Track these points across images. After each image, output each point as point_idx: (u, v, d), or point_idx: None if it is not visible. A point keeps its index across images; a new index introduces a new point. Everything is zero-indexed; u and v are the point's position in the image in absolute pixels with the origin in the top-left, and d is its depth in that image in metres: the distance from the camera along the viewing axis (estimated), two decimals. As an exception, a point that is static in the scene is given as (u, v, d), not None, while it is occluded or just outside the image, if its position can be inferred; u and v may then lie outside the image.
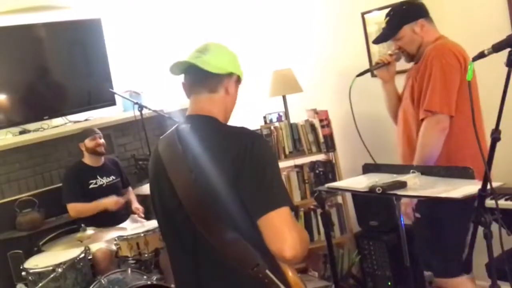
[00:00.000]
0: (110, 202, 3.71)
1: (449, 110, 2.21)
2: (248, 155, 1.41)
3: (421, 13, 2.40)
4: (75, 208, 3.72)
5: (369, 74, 2.68)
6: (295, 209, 1.50)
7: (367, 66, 3.48)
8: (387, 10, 2.50)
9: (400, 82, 2.62)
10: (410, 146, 2.39)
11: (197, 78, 1.58)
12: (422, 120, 2.27)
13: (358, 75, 2.54)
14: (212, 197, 1.42)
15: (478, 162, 1.67)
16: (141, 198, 4.10)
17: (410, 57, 2.45)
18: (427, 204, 2.26)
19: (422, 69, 2.29)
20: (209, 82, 1.57)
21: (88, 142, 3.85)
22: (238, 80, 1.65)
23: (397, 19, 2.40)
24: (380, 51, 3.48)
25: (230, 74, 1.60)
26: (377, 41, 2.53)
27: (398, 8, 2.45)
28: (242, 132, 1.52)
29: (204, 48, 1.59)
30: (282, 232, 1.37)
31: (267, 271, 1.41)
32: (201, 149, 1.47)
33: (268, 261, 1.42)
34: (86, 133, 3.91)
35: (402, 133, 2.47)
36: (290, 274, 1.50)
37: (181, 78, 1.65)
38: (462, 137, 2.25)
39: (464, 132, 2.23)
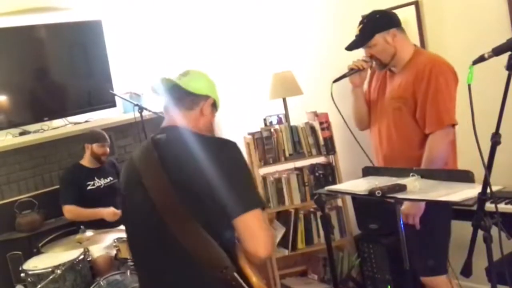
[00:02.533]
0: (108, 212, 3.66)
1: (455, 121, 2.33)
2: (220, 162, 1.52)
3: (393, 23, 2.46)
4: (71, 211, 3.71)
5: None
6: (265, 208, 1.58)
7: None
8: (387, 13, 2.52)
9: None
10: (411, 151, 2.42)
11: (176, 96, 1.72)
12: (428, 134, 2.34)
13: (335, 81, 2.60)
14: (187, 200, 1.50)
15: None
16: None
17: (383, 65, 2.49)
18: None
19: (424, 84, 2.31)
20: (186, 100, 1.71)
21: (96, 148, 3.83)
22: (214, 105, 1.77)
23: (370, 27, 2.45)
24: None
25: (206, 97, 1.73)
26: (349, 47, 2.57)
27: (371, 16, 2.50)
28: (215, 139, 1.67)
29: (185, 72, 1.76)
30: (256, 232, 1.50)
31: (235, 274, 1.49)
32: (177, 156, 1.58)
33: (235, 265, 1.51)
34: (97, 137, 3.85)
35: (394, 139, 2.49)
36: (254, 279, 1.56)
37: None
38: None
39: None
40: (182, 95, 1.70)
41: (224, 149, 1.58)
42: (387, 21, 2.47)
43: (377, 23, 2.46)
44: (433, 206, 2.28)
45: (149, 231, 1.61)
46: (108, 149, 3.88)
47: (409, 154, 2.40)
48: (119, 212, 3.71)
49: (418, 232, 2.35)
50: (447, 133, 2.32)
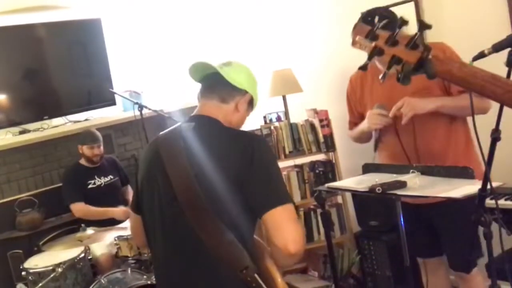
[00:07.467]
0: (119, 212, 3.69)
1: None
2: (252, 157, 1.46)
3: None
4: (81, 209, 3.71)
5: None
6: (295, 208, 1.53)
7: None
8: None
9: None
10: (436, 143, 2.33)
11: (212, 84, 1.63)
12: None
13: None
14: (210, 195, 1.44)
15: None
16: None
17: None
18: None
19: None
20: (222, 92, 1.62)
21: (86, 150, 3.83)
22: (251, 103, 1.68)
23: (395, 22, 2.39)
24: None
25: (244, 92, 1.64)
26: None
27: (388, 12, 2.35)
28: (244, 134, 1.59)
29: (227, 62, 1.66)
30: (287, 226, 1.42)
31: (255, 275, 1.42)
32: (203, 147, 1.50)
33: (258, 266, 1.45)
34: (86, 139, 3.85)
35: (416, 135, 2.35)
36: (280, 280, 1.51)
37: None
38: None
39: None
40: (219, 84, 1.61)
41: (253, 144, 1.51)
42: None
43: (396, 18, 2.40)
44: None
45: (167, 221, 1.54)
46: (98, 151, 3.85)
47: (433, 147, 2.30)
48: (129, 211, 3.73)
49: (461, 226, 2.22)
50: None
